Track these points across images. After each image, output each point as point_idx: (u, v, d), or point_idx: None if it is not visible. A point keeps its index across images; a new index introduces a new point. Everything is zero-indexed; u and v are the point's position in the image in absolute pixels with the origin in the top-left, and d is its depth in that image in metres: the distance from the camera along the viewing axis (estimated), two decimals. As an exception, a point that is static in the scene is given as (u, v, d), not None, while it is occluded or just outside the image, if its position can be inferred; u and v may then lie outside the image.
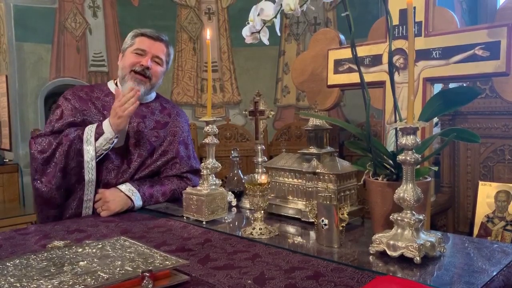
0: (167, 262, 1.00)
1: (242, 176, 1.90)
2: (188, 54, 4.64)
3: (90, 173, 1.76)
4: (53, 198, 1.77)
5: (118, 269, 0.97)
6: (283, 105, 4.63)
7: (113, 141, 1.78)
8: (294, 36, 4.54)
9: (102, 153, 1.78)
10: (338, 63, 1.91)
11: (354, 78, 1.80)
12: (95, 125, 1.79)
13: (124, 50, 1.97)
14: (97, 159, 1.77)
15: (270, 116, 1.78)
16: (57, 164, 1.75)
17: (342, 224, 1.25)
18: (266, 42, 1.49)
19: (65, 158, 1.75)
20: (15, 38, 3.96)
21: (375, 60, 1.76)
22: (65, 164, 1.75)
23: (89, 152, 1.74)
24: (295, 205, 1.56)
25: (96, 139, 1.76)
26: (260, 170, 1.73)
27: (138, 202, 1.77)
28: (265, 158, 1.76)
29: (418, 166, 1.23)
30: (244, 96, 4.64)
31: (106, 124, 1.77)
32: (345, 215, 1.24)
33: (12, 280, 0.92)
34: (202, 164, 1.70)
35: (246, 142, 4.06)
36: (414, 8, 1.60)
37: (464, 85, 2.09)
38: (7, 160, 4.01)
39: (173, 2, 4.57)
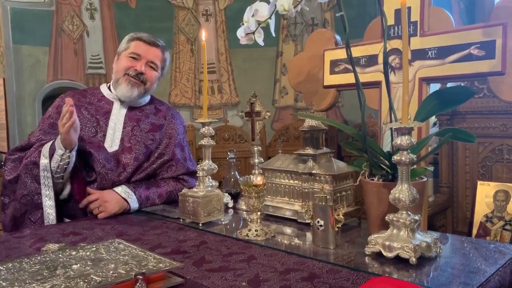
0: (161, 265, 1.00)
1: (238, 177, 1.90)
2: (185, 55, 4.64)
3: (49, 201, 1.70)
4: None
5: (111, 272, 0.96)
6: (281, 106, 4.63)
7: (69, 156, 1.68)
8: (292, 37, 4.54)
9: (65, 168, 1.70)
10: (334, 63, 1.90)
11: (350, 78, 1.78)
12: (49, 144, 1.72)
13: (120, 53, 1.96)
14: (62, 178, 1.74)
15: (267, 117, 1.77)
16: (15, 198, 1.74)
17: (338, 225, 1.24)
18: (261, 43, 1.49)
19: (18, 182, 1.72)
20: (13, 41, 3.96)
21: (371, 60, 1.76)
22: (18, 187, 1.72)
23: (46, 178, 1.69)
24: (292, 206, 1.55)
25: (52, 155, 1.69)
26: (256, 172, 1.72)
27: (134, 204, 1.76)
28: (262, 159, 1.76)
29: (414, 166, 1.22)
30: (242, 97, 4.64)
31: (57, 141, 1.70)
32: (341, 216, 1.24)
33: (4, 284, 0.91)
34: (198, 165, 1.69)
35: (244, 143, 4.05)
36: (410, 8, 1.60)
37: (462, 84, 2.08)
38: (4, 163, 4.00)
39: (170, 4, 4.57)
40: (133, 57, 1.91)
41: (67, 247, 1.17)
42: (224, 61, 4.67)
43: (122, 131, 1.90)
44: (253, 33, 1.47)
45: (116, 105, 1.95)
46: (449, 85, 2.33)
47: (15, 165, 1.78)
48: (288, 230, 1.47)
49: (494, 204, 2.68)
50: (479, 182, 2.76)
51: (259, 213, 1.40)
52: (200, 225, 1.52)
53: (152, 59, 1.93)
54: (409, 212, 1.11)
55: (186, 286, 0.99)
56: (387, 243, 1.10)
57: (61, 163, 1.69)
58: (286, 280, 1.00)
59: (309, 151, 1.54)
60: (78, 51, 4.27)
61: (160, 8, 4.52)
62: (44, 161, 1.69)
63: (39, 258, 1.07)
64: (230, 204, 1.79)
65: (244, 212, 1.71)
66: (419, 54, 1.60)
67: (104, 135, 1.87)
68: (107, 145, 1.86)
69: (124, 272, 0.96)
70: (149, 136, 1.94)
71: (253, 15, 1.45)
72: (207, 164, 1.73)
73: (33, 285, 0.90)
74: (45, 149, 1.71)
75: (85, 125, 1.85)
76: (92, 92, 2.00)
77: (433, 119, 2.93)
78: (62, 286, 0.89)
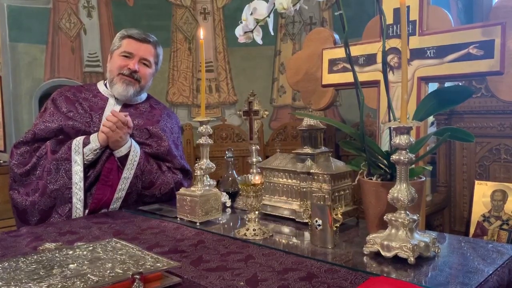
0: (158, 264, 0.99)
1: (236, 177, 1.89)
2: (183, 54, 4.62)
3: (78, 195, 1.77)
4: (26, 212, 1.78)
5: (108, 271, 0.95)
6: (279, 105, 4.62)
7: (97, 152, 1.80)
8: (290, 36, 4.53)
9: (85, 163, 1.80)
10: (332, 62, 1.90)
11: (348, 77, 1.78)
12: (81, 139, 1.80)
13: (112, 52, 1.97)
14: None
15: (265, 116, 1.77)
16: (38, 179, 1.78)
17: (336, 225, 1.24)
18: (259, 41, 1.49)
19: (48, 176, 1.76)
20: (9, 39, 3.93)
21: (370, 59, 1.75)
22: (47, 181, 1.76)
23: (78, 173, 1.76)
24: (290, 206, 1.55)
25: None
26: (254, 171, 1.72)
27: (136, 147, 1.84)
28: (260, 158, 1.75)
29: (413, 166, 1.22)
30: (240, 96, 4.63)
31: (94, 137, 1.80)
32: (339, 216, 1.23)
33: (0, 283, 0.90)
34: (196, 164, 1.69)
35: (242, 142, 4.05)
36: (408, 7, 1.60)
37: (460, 84, 2.08)
38: (1, 162, 3.98)
39: (168, 2, 4.55)
40: (125, 56, 1.91)
41: (63, 246, 1.16)
42: (222, 59, 4.66)
43: None
44: (252, 31, 1.47)
45: (111, 101, 1.96)
46: (447, 84, 2.33)
47: (24, 158, 1.82)
48: (286, 229, 1.46)
49: (491, 204, 2.68)
50: (476, 182, 2.76)
51: (257, 212, 1.39)
52: (198, 224, 1.51)
53: (144, 56, 1.93)
54: (408, 212, 1.11)
55: (183, 286, 0.98)
56: (385, 242, 1.09)
57: (87, 158, 1.78)
58: (284, 279, 1.00)
59: (307, 150, 1.53)
60: (75, 49, 4.24)
61: (158, 6, 4.49)
62: (76, 157, 1.77)
63: (35, 257, 1.06)
64: (228, 203, 1.78)
65: (242, 211, 1.70)
66: (418, 54, 1.60)
67: (97, 131, 1.87)
68: None
69: (121, 271, 0.95)
70: (143, 131, 1.94)
71: (251, 14, 1.44)
72: (205, 163, 1.72)
73: (30, 284, 0.89)
74: (77, 145, 1.78)
75: (78, 121, 1.87)
76: (89, 88, 2.02)
77: (431, 118, 2.93)
78: (59, 286, 0.88)
